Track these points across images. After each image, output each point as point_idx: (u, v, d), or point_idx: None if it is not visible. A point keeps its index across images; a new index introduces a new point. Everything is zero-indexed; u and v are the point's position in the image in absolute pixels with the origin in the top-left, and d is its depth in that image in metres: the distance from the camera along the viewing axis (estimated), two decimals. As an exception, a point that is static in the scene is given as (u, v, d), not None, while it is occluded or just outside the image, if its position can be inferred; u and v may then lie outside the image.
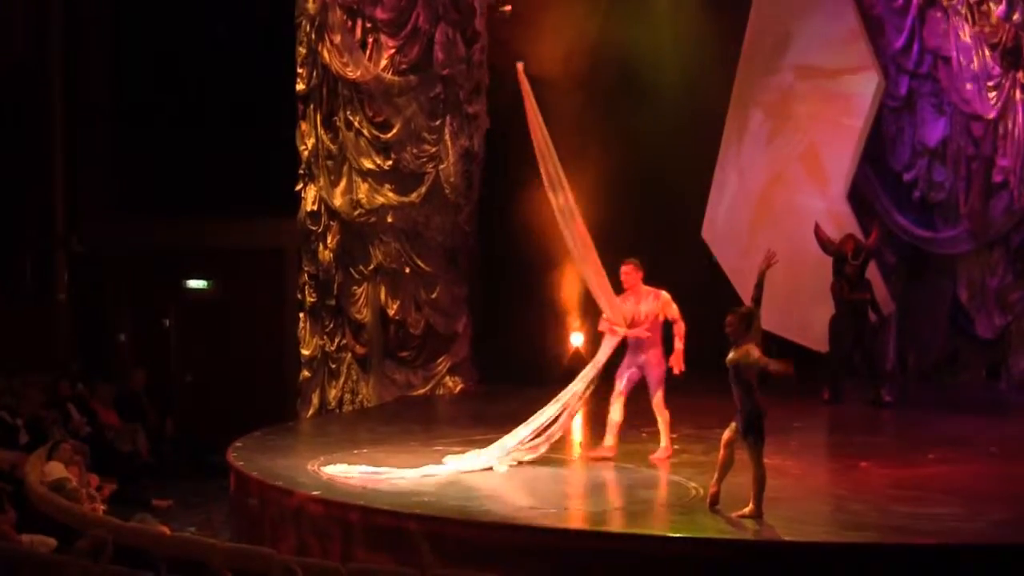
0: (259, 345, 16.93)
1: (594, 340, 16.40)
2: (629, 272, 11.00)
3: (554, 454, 11.50)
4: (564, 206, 10.99)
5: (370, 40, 15.22)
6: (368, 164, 15.24)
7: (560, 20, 15.46)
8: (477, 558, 8.66)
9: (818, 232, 14.42)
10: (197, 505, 13.05)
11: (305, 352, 15.61)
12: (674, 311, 10.90)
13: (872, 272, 14.68)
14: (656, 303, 10.88)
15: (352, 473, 10.44)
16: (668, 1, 16.05)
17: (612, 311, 10.90)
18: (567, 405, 10.93)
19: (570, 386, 10.98)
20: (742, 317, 9.02)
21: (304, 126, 15.51)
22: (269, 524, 10.23)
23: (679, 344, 10.87)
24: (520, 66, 11.21)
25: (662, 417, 11.04)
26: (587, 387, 10.98)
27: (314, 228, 15.51)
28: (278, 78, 15.68)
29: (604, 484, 10.30)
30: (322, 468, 10.64)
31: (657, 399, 11.00)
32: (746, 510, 8.93)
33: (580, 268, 11.23)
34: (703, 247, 16.12)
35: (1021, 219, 15.03)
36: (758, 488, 8.93)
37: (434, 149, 15.37)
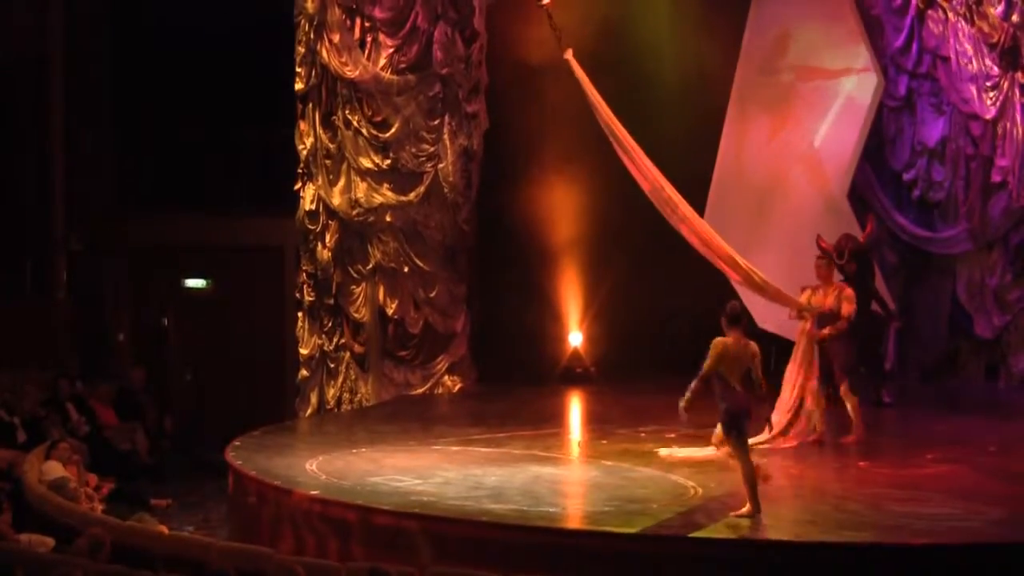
0: (258, 344, 16.93)
1: (592, 339, 16.49)
2: (821, 266, 11.72)
3: (552, 454, 11.53)
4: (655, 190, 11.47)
5: (369, 39, 15.22)
6: (367, 163, 15.24)
7: (561, 18, 15.46)
8: (476, 557, 8.65)
9: (819, 244, 14.32)
10: (195, 504, 13.05)
11: (303, 351, 15.61)
12: (848, 309, 11.49)
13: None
14: (840, 295, 11.51)
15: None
16: (668, 1, 16.05)
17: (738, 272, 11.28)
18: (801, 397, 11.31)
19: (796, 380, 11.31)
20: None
21: (303, 125, 15.50)
22: (267, 523, 10.23)
23: (825, 331, 11.43)
24: (570, 52, 11.71)
25: (850, 403, 11.64)
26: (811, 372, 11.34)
27: (312, 227, 15.50)
28: (277, 77, 15.67)
29: (602, 484, 10.30)
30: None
31: (844, 387, 11.60)
32: (743, 510, 8.93)
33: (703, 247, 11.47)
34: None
35: (1020, 219, 15.05)
36: (749, 487, 8.93)
37: (433, 148, 15.37)
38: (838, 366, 11.67)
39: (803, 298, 11.63)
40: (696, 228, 11.37)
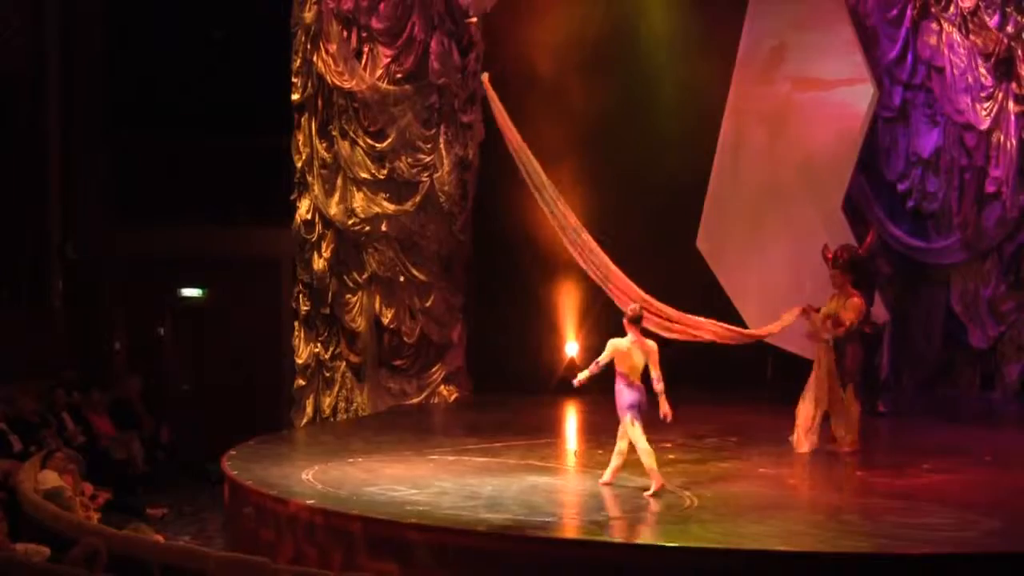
0: (254, 354, 16.91)
1: (588, 349, 16.48)
2: (835, 275, 11.92)
3: (548, 464, 11.54)
4: (556, 213, 11.70)
5: (366, 50, 15.25)
6: (363, 173, 15.25)
7: (558, 29, 15.54)
8: (472, 566, 8.66)
9: (825, 254, 14.31)
10: (191, 514, 13.04)
11: (299, 361, 15.61)
12: (848, 317, 11.67)
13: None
14: (846, 303, 11.72)
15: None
16: (663, 11, 16.09)
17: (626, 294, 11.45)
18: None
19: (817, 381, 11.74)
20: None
21: (299, 135, 15.52)
22: (263, 533, 10.23)
23: (827, 331, 11.72)
24: (486, 76, 11.98)
25: (851, 410, 11.76)
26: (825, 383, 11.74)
27: (308, 237, 15.52)
28: (276, 87, 15.69)
29: (598, 494, 10.31)
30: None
31: (849, 392, 11.77)
32: (653, 488, 9.88)
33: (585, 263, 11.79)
34: (698, 256, 16.15)
35: (1013, 229, 15.09)
36: (650, 465, 10.04)
37: (429, 158, 15.39)
38: (846, 370, 11.77)
39: (827, 308, 11.86)
40: (613, 279, 11.57)
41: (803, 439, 11.71)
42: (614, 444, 11.94)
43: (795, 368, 14.70)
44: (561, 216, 11.69)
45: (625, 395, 10.00)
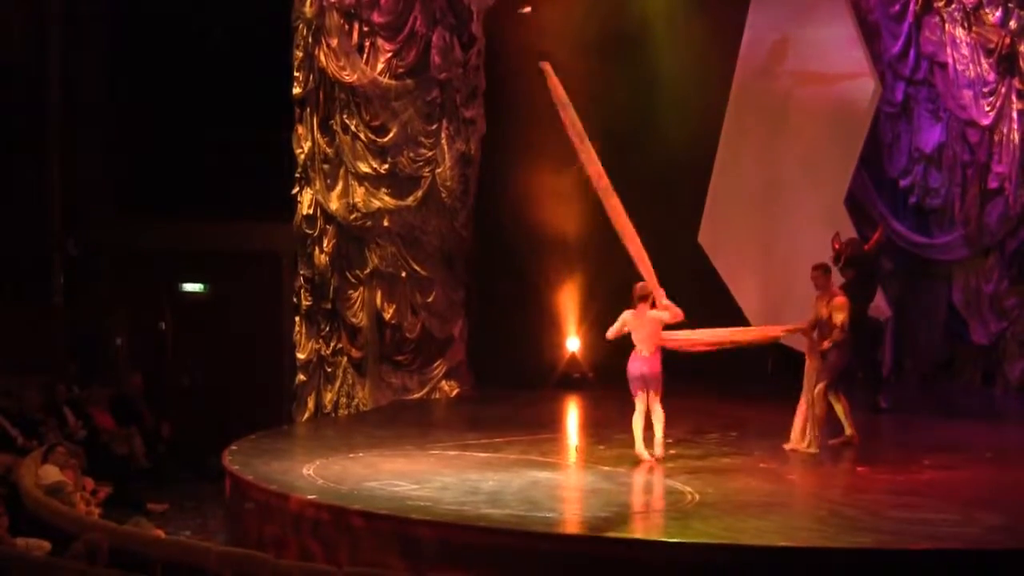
0: (255, 349, 16.92)
1: (589, 344, 16.50)
2: (816, 276, 11.81)
3: (549, 459, 11.54)
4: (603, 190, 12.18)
5: (367, 44, 15.24)
6: (365, 168, 15.25)
7: (557, 25, 15.52)
8: (473, 562, 8.66)
9: (833, 244, 14.25)
10: (192, 509, 13.04)
11: (301, 356, 15.61)
12: (839, 318, 11.52)
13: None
14: (831, 303, 11.62)
15: None
16: (664, 6, 16.08)
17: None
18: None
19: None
20: None
21: (300, 130, 15.51)
22: (264, 528, 10.23)
23: (824, 344, 11.58)
24: (547, 64, 12.07)
25: (816, 409, 11.63)
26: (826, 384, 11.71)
27: (310, 232, 15.51)
28: (276, 80, 15.68)
29: (600, 489, 10.31)
30: None
31: (819, 389, 11.60)
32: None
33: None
34: (700, 252, 16.16)
35: (1016, 225, 15.08)
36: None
37: (430, 153, 15.38)
38: (824, 369, 11.60)
39: (814, 311, 11.76)
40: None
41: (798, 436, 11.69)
42: (615, 438, 11.98)
43: (796, 363, 14.71)
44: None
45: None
